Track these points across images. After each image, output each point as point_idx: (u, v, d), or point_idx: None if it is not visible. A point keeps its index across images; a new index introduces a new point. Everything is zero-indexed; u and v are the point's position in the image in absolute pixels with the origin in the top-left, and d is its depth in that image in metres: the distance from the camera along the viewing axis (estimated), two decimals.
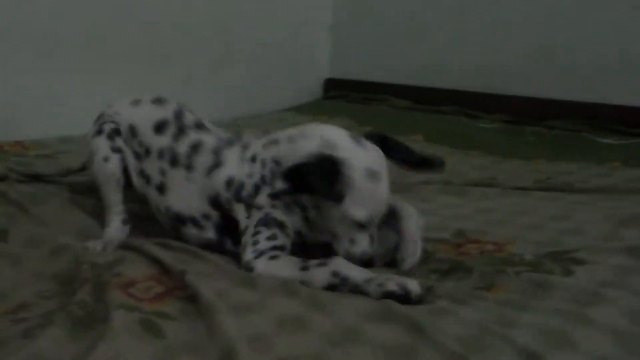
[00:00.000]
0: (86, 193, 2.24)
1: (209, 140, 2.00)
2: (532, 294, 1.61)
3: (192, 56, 3.52)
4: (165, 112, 2.07)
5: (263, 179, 1.85)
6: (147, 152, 2.04)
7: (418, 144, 3.12)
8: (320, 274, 1.71)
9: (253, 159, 1.88)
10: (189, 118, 2.06)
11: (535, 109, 3.48)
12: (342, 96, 4.04)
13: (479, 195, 2.47)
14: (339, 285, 1.68)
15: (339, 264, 1.72)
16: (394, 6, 3.92)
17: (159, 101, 2.11)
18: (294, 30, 3.95)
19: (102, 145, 2.04)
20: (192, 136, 2.01)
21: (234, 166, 1.91)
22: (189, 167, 1.97)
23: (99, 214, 2.09)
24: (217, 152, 1.95)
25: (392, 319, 1.49)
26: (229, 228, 1.93)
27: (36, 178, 2.40)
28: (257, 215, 1.85)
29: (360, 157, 1.76)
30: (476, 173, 2.76)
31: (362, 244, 1.79)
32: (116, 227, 2.02)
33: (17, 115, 2.95)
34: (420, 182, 2.53)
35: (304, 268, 1.74)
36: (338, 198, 1.74)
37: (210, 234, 1.96)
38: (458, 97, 3.69)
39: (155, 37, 3.37)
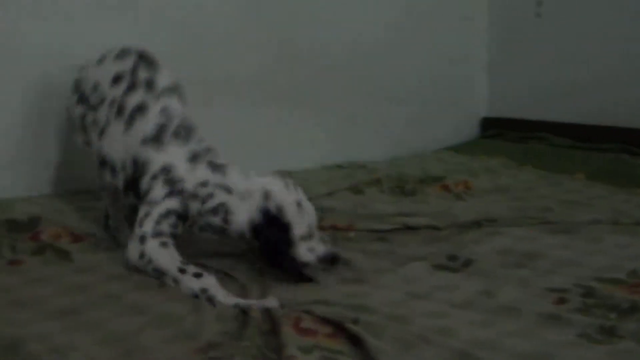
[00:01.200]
0: None
1: (154, 108, 2.18)
2: None
3: (352, 97, 3.61)
4: (124, 66, 2.26)
5: (203, 200, 2.07)
6: (102, 101, 2.25)
7: (579, 183, 3.11)
8: (191, 283, 1.93)
9: (203, 184, 2.08)
10: (142, 75, 2.23)
11: None
12: (500, 135, 4.03)
13: None
14: (202, 300, 1.89)
15: (210, 283, 1.92)
16: (550, 42, 3.90)
17: (121, 55, 2.29)
18: (451, 69, 3.97)
19: None
20: (141, 96, 2.20)
21: (175, 157, 2.11)
22: (129, 125, 2.17)
23: None
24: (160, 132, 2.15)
25: None
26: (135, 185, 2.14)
27: None
28: (170, 203, 2.06)
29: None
30: None
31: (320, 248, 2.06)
32: None
33: None
34: (588, 222, 2.52)
35: (182, 270, 1.97)
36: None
37: (119, 183, 2.19)
38: (620, 134, 3.61)
39: (319, 79, 3.47)
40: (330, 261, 2.07)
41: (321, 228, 2.25)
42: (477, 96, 4.16)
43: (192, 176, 2.09)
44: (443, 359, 1.58)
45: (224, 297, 1.90)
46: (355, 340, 1.63)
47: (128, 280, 2.05)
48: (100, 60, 2.34)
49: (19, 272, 2.10)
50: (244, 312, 1.82)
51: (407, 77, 3.79)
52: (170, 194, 2.08)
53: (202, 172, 2.09)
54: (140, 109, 2.18)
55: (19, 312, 1.82)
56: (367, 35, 3.60)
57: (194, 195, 2.07)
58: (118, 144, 2.19)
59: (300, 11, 3.40)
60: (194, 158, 2.11)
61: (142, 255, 2.04)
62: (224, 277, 2.06)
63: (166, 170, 2.10)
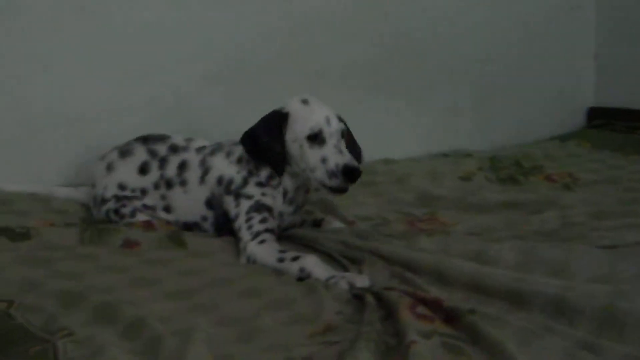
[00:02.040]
0: None
1: (191, 157, 2.39)
2: None
3: (456, 86, 3.59)
4: (140, 156, 2.44)
5: (250, 171, 2.28)
6: (143, 192, 2.42)
7: None
8: (291, 267, 2.04)
9: (239, 160, 2.31)
10: (161, 148, 2.43)
11: None
12: (606, 125, 3.95)
13: None
14: (305, 278, 1.98)
15: (307, 262, 2.03)
16: None
17: (124, 153, 2.46)
18: (557, 58, 3.91)
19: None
20: (175, 159, 2.40)
21: (221, 168, 2.32)
22: (183, 183, 2.37)
23: None
24: (203, 163, 2.35)
25: None
26: (223, 223, 2.31)
27: None
28: (246, 204, 2.24)
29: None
30: None
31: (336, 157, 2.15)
32: None
33: None
34: None
35: (280, 260, 2.08)
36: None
37: (210, 231, 2.37)
38: None
39: (422, 71, 3.47)
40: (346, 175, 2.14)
41: None
42: (583, 86, 4.09)
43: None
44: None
45: (322, 272, 2.00)
46: (473, 329, 1.63)
47: (240, 266, 2.11)
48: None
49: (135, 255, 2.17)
50: (358, 297, 1.84)
51: (512, 67, 3.75)
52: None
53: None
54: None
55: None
56: (477, 27, 3.58)
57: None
58: None
59: (415, 4, 3.41)
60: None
61: (248, 260, 2.15)
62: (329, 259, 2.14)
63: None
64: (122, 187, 2.44)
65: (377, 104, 3.26)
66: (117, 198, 2.43)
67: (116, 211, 2.42)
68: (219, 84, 2.99)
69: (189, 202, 2.37)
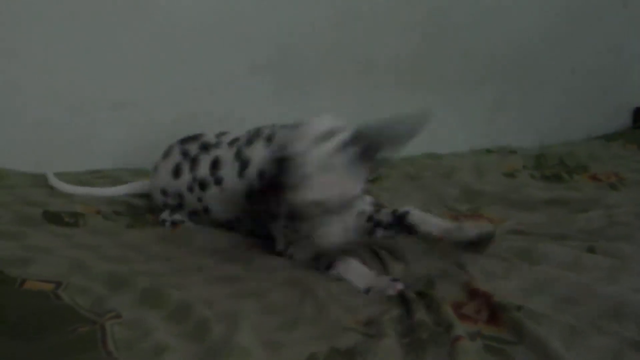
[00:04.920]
0: None
1: (223, 152, 2.19)
2: None
3: (501, 82, 3.57)
4: (174, 159, 2.31)
5: None
6: (180, 197, 2.29)
7: None
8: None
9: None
10: (192, 147, 2.28)
11: None
12: None
13: None
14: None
15: (342, 269, 1.94)
16: None
17: (166, 154, 2.35)
18: (604, 57, 3.87)
19: None
20: (206, 158, 2.22)
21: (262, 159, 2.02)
22: (218, 181, 2.18)
23: None
24: (239, 156, 2.12)
25: None
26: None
27: None
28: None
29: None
30: None
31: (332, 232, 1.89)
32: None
33: None
34: None
35: (316, 268, 1.97)
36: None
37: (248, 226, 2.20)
38: None
39: (468, 65, 3.45)
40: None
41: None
42: (630, 85, 4.03)
43: None
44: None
45: (359, 280, 1.91)
46: (517, 327, 1.63)
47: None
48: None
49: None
50: (402, 296, 1.83)
51: (559, 64, 3.71)
52: None
53: None
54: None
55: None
56: (523, 22, 3.55)
57: None
58: None
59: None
60: None
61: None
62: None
63: None
64: (164, 192, 2.36)
65: (421, 97, 3.24)
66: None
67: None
68: (267, 74, 2.99)
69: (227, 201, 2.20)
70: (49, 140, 2.68)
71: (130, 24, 2.72)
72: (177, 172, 2.29)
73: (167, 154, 2.35)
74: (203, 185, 2.23)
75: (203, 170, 2.22)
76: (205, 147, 2.26)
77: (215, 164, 2.20)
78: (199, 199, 2.25)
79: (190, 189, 2.26)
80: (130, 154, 2.82)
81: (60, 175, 2.54)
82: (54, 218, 2.24)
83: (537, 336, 1.57)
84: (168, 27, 2.78)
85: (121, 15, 2.70)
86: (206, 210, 2.26)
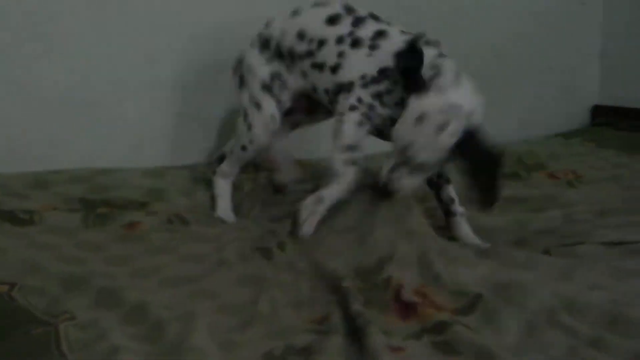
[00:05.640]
0: None
1: (393, 31, 2.11)
2: None
3: None
4: (333, 9, 2.19)
5: None
6: (321, 43, 2.16)
7: None
8: None
9: None
10: (361, 11, 2.17)
11: None
12: (610, 123, 3.93)
13: None
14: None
15: None
16: None
17: (321, 4, 2.23)
18: (563, 55, 3.90)
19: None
20: (375, 25, 2.13)
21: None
22: (373, 47, 2.09)
23: None
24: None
25: None
26: None
27: None
28: None
29: None
30: None
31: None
32: None
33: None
34: None
35: None
36: None
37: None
38: None
39: None
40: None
41: None
42: (588, 83, 4.07)
43: None
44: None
45: None
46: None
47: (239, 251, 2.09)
48: (296, 12, 2.27)
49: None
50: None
51: (518, 63, 3.74)
52: None
53: None
54: (381, 34, 2.13)
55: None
56: (489, 23, 3.59)
57: None
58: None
59: None
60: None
61: None
62: None
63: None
64: (301, 35, 2.22)
65: None
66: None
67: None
68: None
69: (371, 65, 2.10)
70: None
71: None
72: (332, 21, 2.20)
73: (323, 3, 2.27)
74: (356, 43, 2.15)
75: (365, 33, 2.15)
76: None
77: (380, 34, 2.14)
78: (340, 54, 2.16)
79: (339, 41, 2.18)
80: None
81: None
82: (7, 216, 2.19)
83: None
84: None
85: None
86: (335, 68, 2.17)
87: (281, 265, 1.99)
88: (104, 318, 1.63)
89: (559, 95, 3.94)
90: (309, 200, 2.12)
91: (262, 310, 1.72)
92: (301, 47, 2.21)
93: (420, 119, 1.91)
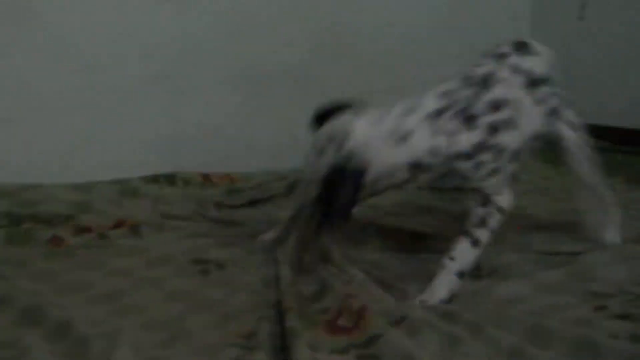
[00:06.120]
0: None
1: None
2: None
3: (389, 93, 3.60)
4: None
5: None
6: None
7: (619, 187, 3.08)
8: None
9: None
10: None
11: None
12: None
13: None
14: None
15: None
16: (593, 45, 3.89)
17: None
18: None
19: None
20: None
21: None
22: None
23: None
24: None
25: None
26: None
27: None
28: None
29: None
30: None
31: None
32: None
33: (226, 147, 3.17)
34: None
35: None
36: None
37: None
38: None
39: (358, 75, 3.49)
40: None
41: None
42: None
43: None
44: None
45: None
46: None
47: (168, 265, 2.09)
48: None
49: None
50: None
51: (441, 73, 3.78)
52: None
53: None
54: None
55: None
56: (411, 32, 3.62)
57: None
58: None
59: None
60: None
61: None
62: None
63: None
64: None
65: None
66: None
67: None
68: (161, 83, 2.99)
69: None
70: None
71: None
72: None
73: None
74: None
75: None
76: None
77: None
78: None
79: None
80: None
81: None
82: None
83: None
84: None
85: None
86: None
87: (216, 281, 1.99)
88: (26, 336, 1.61)
89: None
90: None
91: (188, 326, 1.71)
92: None
93: None
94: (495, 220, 1.92)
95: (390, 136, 1.82)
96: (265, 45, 3.20)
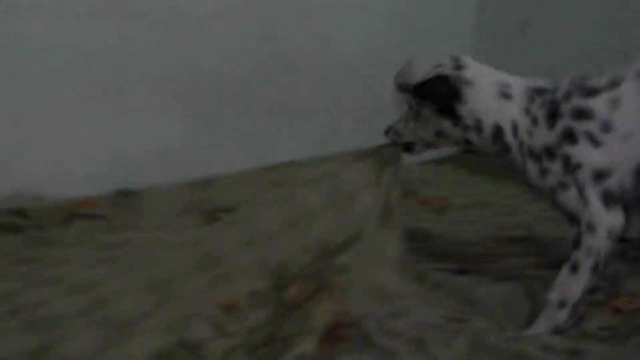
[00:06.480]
0: None
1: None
2: None
3: (335, 108, 3.65)
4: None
5: None
6: None
7: None
8: None
9: None
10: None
11: None
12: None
13: None
14: None
15: None
16: (534, 61, 3.92)
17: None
18: None
19: None
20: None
21: None
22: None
23: None
24: None
25: None
26: None
27: None
28: None
29: None
30: None
31: None
32: None
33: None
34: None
35: None
36: None
37: None
38: None
39: (305, 90, 3.50)
40: None
41: None
42: None
43: None
44: None
45: None
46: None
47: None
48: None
49: None
50: None
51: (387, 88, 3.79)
52: None
53: None
54: None
55: None
56: (355, 45, 3.63)
57: None
58: None
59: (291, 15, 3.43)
60: None
61: None
62: None
63: None
64: None
65: (258, 121, 3.29)
66: None
67: None
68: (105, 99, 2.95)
69: None
70: None
71: None
72: None
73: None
74: None
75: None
76: None
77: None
78: None
79: None
80: None
81: None
82: None
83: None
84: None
85: None
86: None
87: None
88: None
89: None
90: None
91: None
92: None
93: None
94: (590, 241, 1.74)
95: (494, 87, 1.90)
96: (211, 58, 3.18)
